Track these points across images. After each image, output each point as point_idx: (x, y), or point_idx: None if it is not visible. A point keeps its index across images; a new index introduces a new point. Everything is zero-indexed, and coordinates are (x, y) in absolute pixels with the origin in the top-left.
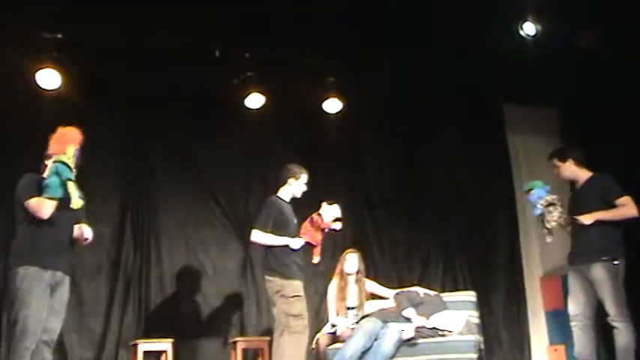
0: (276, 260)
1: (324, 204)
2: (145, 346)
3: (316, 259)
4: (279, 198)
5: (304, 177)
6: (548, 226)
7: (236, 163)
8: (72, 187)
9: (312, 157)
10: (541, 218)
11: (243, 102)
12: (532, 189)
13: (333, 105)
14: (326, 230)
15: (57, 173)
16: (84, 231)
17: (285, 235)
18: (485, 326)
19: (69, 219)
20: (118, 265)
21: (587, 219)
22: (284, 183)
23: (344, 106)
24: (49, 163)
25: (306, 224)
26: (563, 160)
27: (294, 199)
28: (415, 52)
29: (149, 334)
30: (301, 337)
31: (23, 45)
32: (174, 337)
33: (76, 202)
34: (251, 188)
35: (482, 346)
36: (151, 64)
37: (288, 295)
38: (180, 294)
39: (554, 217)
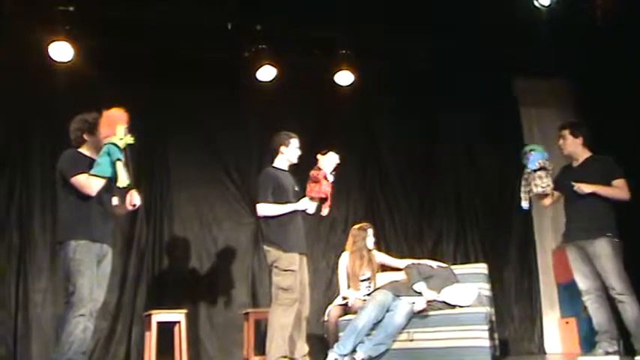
0: (274, 232)
1: (319, 156)
2: (158, 316)
3: (325, 211)
4: (275, 167)
5: (294, 142)
6: (534, 189)
7: (248, 136)
8: (120, 167)
9: (325, 131)
10: (529, 180)
11: (255, 75)
12: (533, 150)
13: (345, 77)
14: (329, 179)
15: (108, 153)
16: (133, 197)
17: (285, 203)
18: (498, 300)
19: (110, 196)
20: (131, 238)
21: (587, 188)
22: (276, 152)
23: (356, 78)
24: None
25: (309, 183)
26: (576, 134)
27: (293, 166)
28: (427, 25)
29: (163, 305)
30: (288, 309)
31: (36, 18)
32: (187, 308)
33: (122, 181)
34: (264, 161)
35: (493, 319)
36: (162, 37)
37: (281, 267)
38: (193, 266)
39: (544, 183)
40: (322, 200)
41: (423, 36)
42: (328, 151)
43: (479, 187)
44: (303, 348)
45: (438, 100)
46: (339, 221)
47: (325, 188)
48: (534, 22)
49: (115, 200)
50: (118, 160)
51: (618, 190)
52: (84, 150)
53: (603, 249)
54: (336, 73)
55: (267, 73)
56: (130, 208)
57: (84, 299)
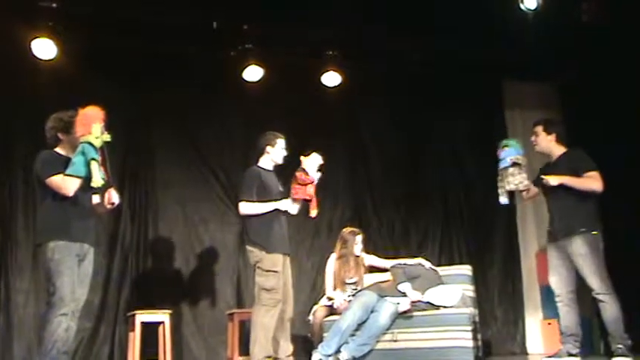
0: (257, 232)
1: (302, 158)
2: (142, 317)
3: (313, 213)
4: (260, 167)
5: (280, 142)
6: (507, 187)
7: (234, 137)
8: (94, 167)
9: (312, 131)
10: (503, 176)
11: (241, 75)
12: (507, 146)
13: (331, 78)
14: (315, 182)
15: (83, 153)
16: (111, 195)
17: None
18: (481, 301)
19: (90, 195)
20: (115, 238)
21: (554, 180)
22: (262, 152)
23: (343, 80)
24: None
25: (294, 185)
26: (549, 131)
27: (278, 166)
28: (415, 27)
29: (147, 305)
30: (271, 310)
31: (19, 14)
32: (172, 308)
33: (96, 181)
34: (249, 162)
35: (477, 319)
36: (148, 36)
37: (264, 268)
38: (178, 266)
39: (516, 180)
40: (306, 202)
41: (413, 38)
42: (311, 152)
43: (464, 190)
44: (287, 348)
45: (425, 102)
46: (325, 222)
47: (309, 191)
48: (522, 26)
49: (96, 198)
50: (93, 159)
51: (589, 180)
52: (60, 150)
53: (580, 248)
54: (323, 74)
55: (253, 72)
56: (108, 206)
57: (65, 299)
